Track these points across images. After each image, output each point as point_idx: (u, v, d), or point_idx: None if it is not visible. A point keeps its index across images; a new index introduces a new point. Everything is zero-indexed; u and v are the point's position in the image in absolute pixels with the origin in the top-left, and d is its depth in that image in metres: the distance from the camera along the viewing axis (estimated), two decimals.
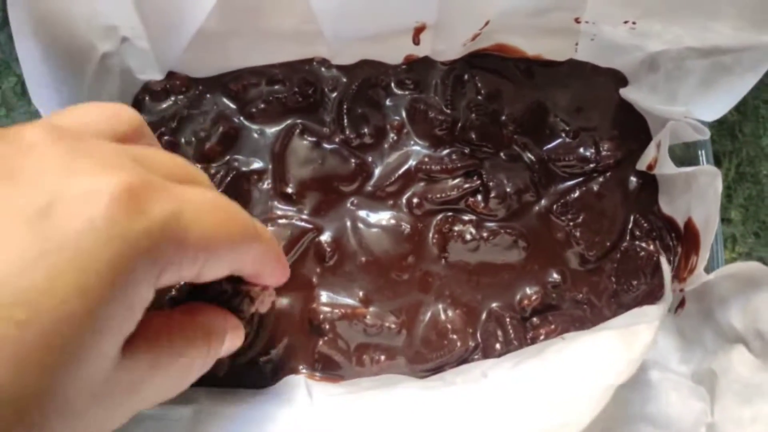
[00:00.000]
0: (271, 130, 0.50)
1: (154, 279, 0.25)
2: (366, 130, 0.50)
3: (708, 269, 0.43)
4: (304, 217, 0.49)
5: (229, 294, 0.36)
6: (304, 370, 0.46)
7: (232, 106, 0.50)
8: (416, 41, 0.49)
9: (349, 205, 0.49)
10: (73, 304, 0.22)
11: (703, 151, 0.46)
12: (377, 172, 0.50)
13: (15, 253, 0.22)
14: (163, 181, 0.26)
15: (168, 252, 0.25)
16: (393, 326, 0.47)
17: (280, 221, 0.48)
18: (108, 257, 0.23)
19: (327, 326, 0.47)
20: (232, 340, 0.35)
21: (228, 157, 0.49)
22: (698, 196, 0.45)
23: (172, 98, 0.50)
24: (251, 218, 0.31)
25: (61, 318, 0.22)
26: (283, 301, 0.47)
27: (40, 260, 0.22)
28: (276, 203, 0.49)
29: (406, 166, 0.49)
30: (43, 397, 0.23)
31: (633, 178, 0.50)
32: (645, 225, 0.49)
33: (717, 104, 0.44)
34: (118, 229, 0.23)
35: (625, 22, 0.46)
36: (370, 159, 0.50)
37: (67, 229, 0.23)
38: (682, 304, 0.45)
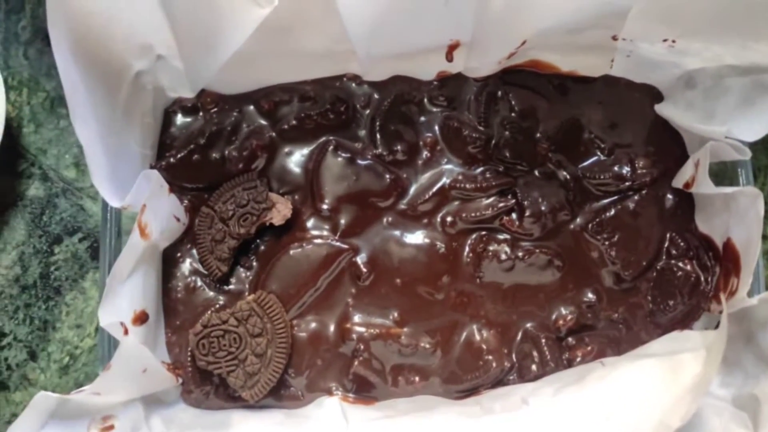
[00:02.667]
0: (304, 147, 0.49)
1: None
2: (399, 146, 0.49)
3: (750, 291, 0.43)
4: (340, 237, 0.48)
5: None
6: (337, 391, 0.46)
7: (264, 122, 0.49)
8: (449, 58, 0.48)
9: (384, 223, 0.49)
10: None
11: (743, 170, 0.45)
12: (411, 189, 0.49)
13: None
14: None
15: None
16: (428, 346, 0.46)
17: (316, 241, 0.48)
18: None
19: (362, 346, 0.46)
20: None
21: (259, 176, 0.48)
22: (738, 217, 0.44)
23: (202, 114, 0.49)
24: None
25: None
26: (318, 321, 0.47)
27: None
28: (312, 222, 0.48)
29: (439, 184, 0.49)
30: None
31: (669, 196, 0.49)
32: (681, 244, 0.48)
33: (757, 124, 0.44)
34: None
35: (664, 41, 0.45)
36: (404, 175, 0.49)
37: None
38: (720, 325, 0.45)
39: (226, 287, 0.48)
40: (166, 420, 0.43)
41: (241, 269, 0.49)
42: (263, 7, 0.40)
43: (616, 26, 0.45)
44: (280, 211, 0.48)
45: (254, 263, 0.49)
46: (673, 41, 0.45)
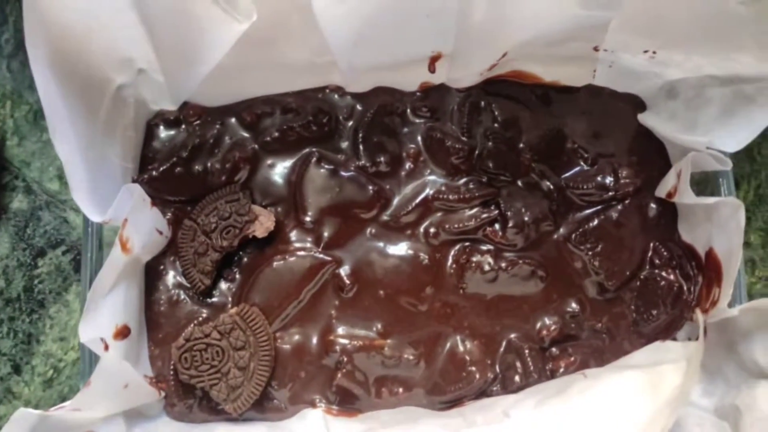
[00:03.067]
0: (287, 159, 0.49)
1: None
2: (382, 158, 0.49)
3: (730, 300, 0.43)
4: (323, 249, 0.48)
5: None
6: (321, 403, 0.46)
7: (246, 135, 0.49)
8: (432, 69, 0.48)
9: (367, 234, 0.49)
10: None
11: (725, 180, 0.45)
12: (394, 200, 0.49)
13: None
14: None
15: None
16: (411, 358, 0.46)
17: (299, 253, 0.48)
18: None
19: (345, 358, 0.46)
20: None
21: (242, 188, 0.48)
22: (720, 227, 0.44)
23: (185, 127, 0.49)
24: None
25: None
26: (301, 333, 0.47)
27: None
28: (295, 234, 0.48)
29: (422, 196, 0.49)
30: None
31: (653, 206, 0.49)
32: (665, 253, 0.48)
33: (738, 135, 0.44)
34: None
35: (645, 51, 0.45)
36: (387, 186, 0.49)
37: None
38: (703, 334, 0.45)
39: (209, 300, 0.48)
40: None
41: (224, 282, 0.49)
42: (242, 23, 0.40)
43: (597, 38, 0.45)
44: (263, 223, 0.47)
45: (237, 276, 0.49)
46: (654, 52, 0.45)
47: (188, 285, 0.47)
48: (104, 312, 0.41)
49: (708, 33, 0.42)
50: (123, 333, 0.43)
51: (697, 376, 0.34)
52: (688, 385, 0.35)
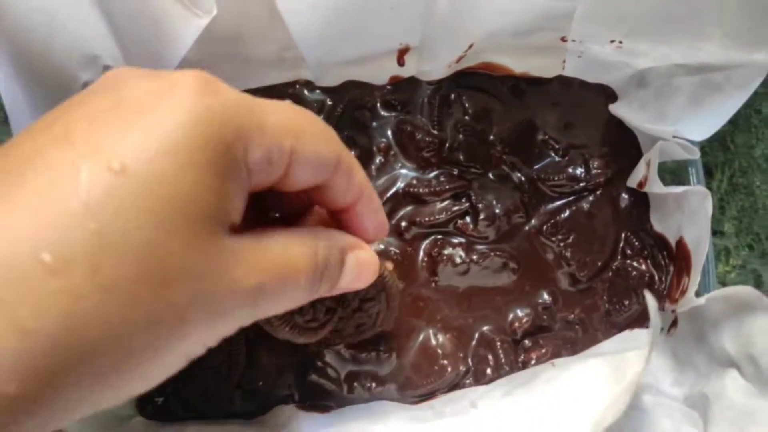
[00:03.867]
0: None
1: (245, 156, 0.25)
2: (353, 152, 0.49)
3: (700, 288, 0.43)
4: None
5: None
6: (293, 400, 0.46)
7: None
8: (401, 62, 0.48)
9: None
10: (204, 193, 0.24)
11: (694, 169, 0.46)
12: None
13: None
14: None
15: (250, 126, 0.25)
16: (383, 352, 0.46)
17: None
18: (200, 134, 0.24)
19: (316, 354, 0.46)
20: (360, 260, 0.32)
21: None
22: (689, 216, 0.44)
23: None
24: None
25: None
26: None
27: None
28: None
29: (393, 189, 0.49)
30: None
31: (624, 196, 0.49)
32: (636, 243, 0.48)
33: (706, 123, 0.44)
34: (211, 99, 0.24)
35: (611, 42, 0.45)
36: None
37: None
38: (674, 324, 0.45)
39: None
40: None
41: None
42: (201, 18, 0.40)
43: (564, 28, 0.45)
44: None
45: None
46: (620, 42, 0.45)
47: None
48: None
49: (671, 21, 0.41)
50: None
51: (649, 360, 0.34)
52: (644, 368, 0.35)
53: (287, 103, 0.29)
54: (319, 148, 0.29)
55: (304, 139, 0.28)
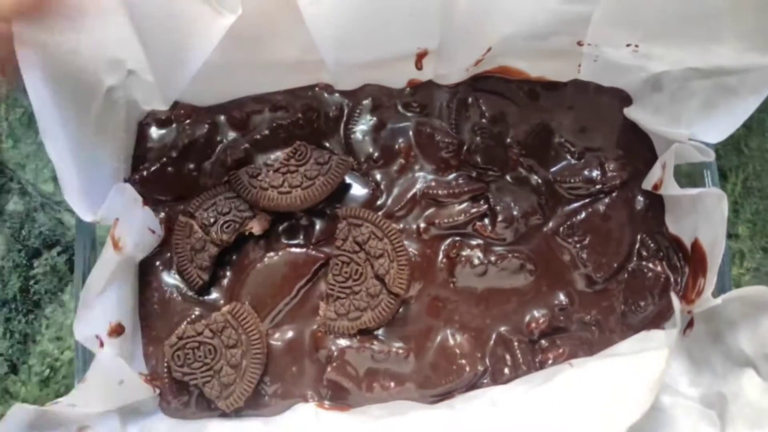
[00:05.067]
0: (276, 155, 0.50)
1: None
2: (373, 154, 0.50)
3: (716, 289, 0.43)
4: (315, 245, 0.49)
5: None
6: (312, 399, 0.47)
7: (237, 134, 0.50)
8: (419, 66, 0.49)
9: None
10: None
11: (709, 172, 0.46)
12: (387, 196, 0.50)
13: None
14: None
15: None
16: (401, 351, 0.47)
17: (292, 250, 0.48)
18: None
19: (335, 353, 0.47)
20: None
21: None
22: (705, 218, 0.44)
23: (175, 127, 0.50)
24: None
25: None
26: (293, 330, 0.48)
27: None
28: (287, 231, 0.49)
29: (413, 191, 0.50)
30: None
31: (640, 198, 0.50)
32: (652, 245, 0.49)
33: (721, 126, 0.44)
34: None
35: (627, 45, 0.45)
36: (382, 183, 0.50)
37: None
38: (690, 325, 0.45)
39: (202, 298, 0.48)
40: (144, 430, 0.44)
41: (218, 279, 0.49)
42: (226, 17, 0.40)
43: (580, 32, 0.46)
44: (260, 220, 0.48)
45: (228, 273, 0.49)
46: (636, 46, 0.45)
47: (183, 282, 0.48)
48: (98, 310, 0.42)
49: (687, 25, 0.42)
50: (117, 331, 0.44)
51: (671, 358, 0.35)
52: (663, 371, 0.35)
53: None
54: None
55: None
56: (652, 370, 0.37)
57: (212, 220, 0.48)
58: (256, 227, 0.48)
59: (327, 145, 0.50)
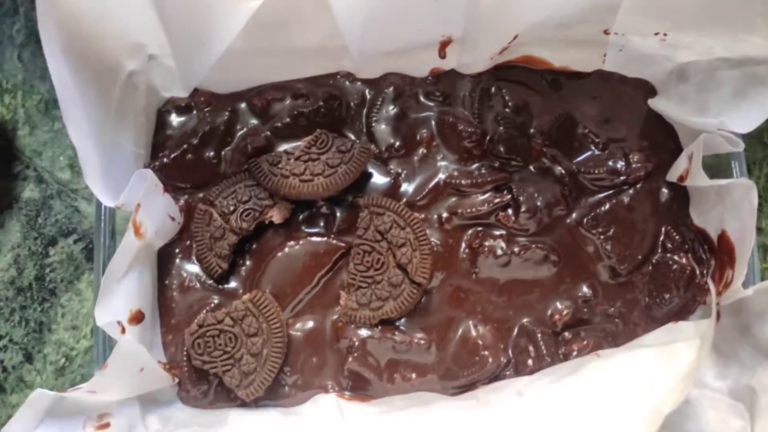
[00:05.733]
0: (297, 144, 0.49)
1: None
2: (395, 143, 0.49)
3: (744, 282, 0.43)
4: (336, 234, 0.48)
5: None
6: (333, 389, 0.46)
7: (257, 121, 0.49)
8: (442, 55, 0.48)
9: None
10: None
11: (737, 163, 0.45)
12: (408, 186, 0.49)
13: None
14: None
15: None
16: (423, 342, 0.46)
17: (313, 239, 0.48)
18: None
19: (356, 343, 0.46)
20: None
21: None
22: (732, 209, 0.44)
23: (196, 114, 0.49)
24: None
25: None
26: (314, 319, 0.47)
27: None
28: (308, 220, 0.49)
29: (435, 180, 0.49)
30: None
31: (664, 190, 0.49)
32: (677, 237, 0.48)
33: (750, 116, 0.44)
34: None
35: (656, 34, 0.45)
36: (403, 172, 0.49)
37: None
38: (717, 317, 0.44)
39: (221, 286, 0.48)
40: (163, 418, 0.43)
41: (237, 268, 0.49)
42: (250, 1, 0.40)
43: (608, 20, 0.45)
44: (281, 209, 0.48)
45: (248, 262, 0.48)
46: (665, 34, 0.45)
47: (202, 271, 0.47)
48: (119, 296, 0.41)
49: (718, 13, 0.42)
50: (137, 318, 0.43)
51: (708, 350, 0.35)
52: (700, 360, 0.35)
53: None
54: None
55: None
56: (682, 361, 0.37)
57: (232, 208, 0.47)
58: (276, 216, 0.47)
59: (348, 133, 0.50)
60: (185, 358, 0.46)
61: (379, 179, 0.49)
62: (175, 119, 0.49)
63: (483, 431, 0.40)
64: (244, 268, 0.48)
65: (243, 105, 0.50)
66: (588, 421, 0.37)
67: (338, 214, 0.49)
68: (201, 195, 0.48)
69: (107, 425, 0.39)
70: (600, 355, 0.43)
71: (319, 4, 0.42)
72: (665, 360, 0.38)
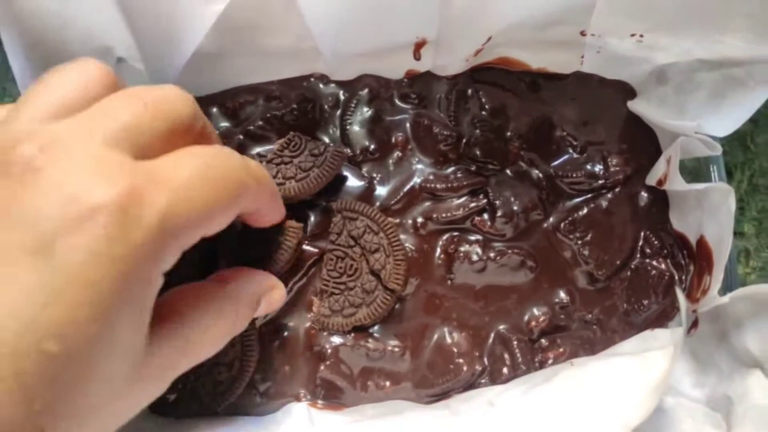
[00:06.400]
0: (270, 147, 0.48)
1: (160, 270, 0.27)
2: (370, 146, 0.48)
3: (722, 288, 0.42)
4: (310, 240, 0.47)
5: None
6: (305, 397, 0.45)
7: (228, 124, 0.49)
8: (417, 56, 0.48)
9: None
10: (92, 327, 0.24)
11: (715, 167, 0.45)
12: (382, 190, 0.48)
13: (27, 291, 0.24)
14: (148, 175, 0.27)
15: (169, 245, 0.27)
16: (396, 350, 0.46)
17: None
18: (115, 275, 0.25)
19: (329, 350, 0.45)
20: (270, 300, 0.38)
21: None
22: (710, 214, 0.43)
23: None
24: (242, 164, 0.32)
25: (86, 341, 0.24)
26: (287, 326, 0.46)
27: (55, 296, 0.24)
28: None
29: (410, 185, 0.48)
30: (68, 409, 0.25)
31: (643, 194, 0.48)
32: (656, 242, 0.47)
33: (728, 119, 0.43)
34: (119, 247, 0.25)
35: (632, 35, 0.44)
36: (378, 175, 0.48)
37: (71, 263, 0.24)
38: (695, 325, 0.44)
39: None
40: (132, 429, 0.42)
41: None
42: (216, 3, 0.39)
43: (583, 21, 0.44)
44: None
45: (223, 264, 0.48)
46: (641, 36, 0.44)
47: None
48: None
49: (696, 14, 0.41)
50: None
51: (676, 361, 0.34)
52: (670, 369, 0.34)
53: (197, 168, 0.29)
54: (231, 211, 0.31)
55: (215, 216, 0.29)
56: (656, 370, 0.36)
57: None
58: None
59: (322, 136, 0.49)
60: None
61: (353, 183, 0.48)
62: None
63: None
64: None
65: (215, 108, 0.49)
66: (556, 430, 0.36)
67: (311, 219, 0.48)
68: None
69: None
70: (574, 364, 0.43)
71: (287, 5, 0.41)
72: (638, 369, 0.37)
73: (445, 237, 0.48)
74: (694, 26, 0.42)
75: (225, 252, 0.43)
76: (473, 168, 0.48)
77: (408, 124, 0.49)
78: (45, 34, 0.40)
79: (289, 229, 0.44)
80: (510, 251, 0.47)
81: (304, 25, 0.43)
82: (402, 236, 0.47)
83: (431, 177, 0.48)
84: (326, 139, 0.49)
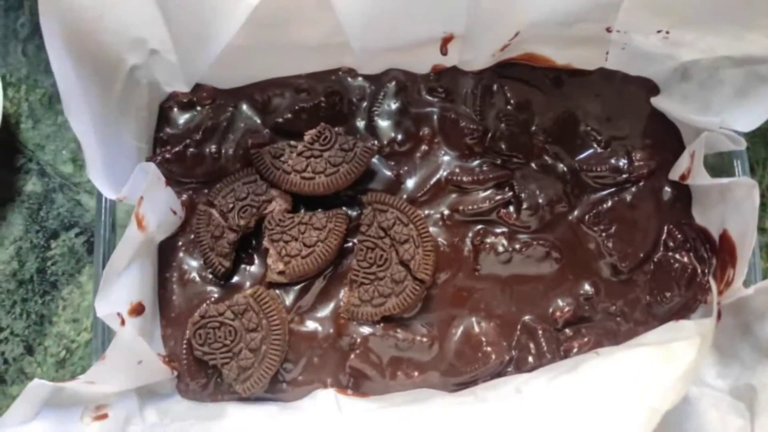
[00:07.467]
0: (300, 140, 0.49)
1: None
2: (397, 139, 0.49)
3: (745, 281, 0.43)
4: None
5: None
6: (333, 385, 0.46)
7: (258, 117, 0.49)
8: (444, 51, 0.48)
9: None
10: None
11: (739, 162, 0.45)
12: (409, 182, 0.49)
13: None
14: None
15: None
16: (425, 340, 0.46)
17: None
18: None
19: (358, 340, 0.46)
20: None
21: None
22: (734, 208, 0.44)
23: (198, 109, 0.49)
24: None
25: None
26: (315, 316, 0.47)
27: None
28: None
29: (436, 177, 0.49)
30: None
31: (666, 188, 0.49)
32: (679, 236, 0.48)
33: (752, 114, 0.44)
34: None
35: (658, 32, 0.45)
36: (404, 168, 0.49)
37: None
38: (718, 316, 0.44)
39: (229, 282, 0.48)
40: (161, 411, 0.43)
41: (243, 265, 0.49)
42: None
43: (610, 18, 0.45)
44: (280, 203, 0.48)
45: (256, 259, 0.49)
46: (667, 32, 0.45)
47: (208, 269, 0.47)
48: (120, 288, 0.42)
49: (720, 11, 0.41)
50: (137, 310, 0.43)
51: (708, 348, 0.34)
52: (700, 359, 0.35)
53: None
54: None
55: None
56: (682, 360, 0.37)
57: (230, 206, 0.47)
58: (276, 207, 0.47)
59: (350, 128, 0.50)
60: (185, 351, 0.46)
61: (380, 175, 0.49)
62: (177, 115, 0.49)
63: (480, 427, 0.39)
64: (251, 266, 0.48)
65: (244, 101, 0.50)
66: (585, 418, 0.37)
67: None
68: (206, 190, 0.48)
69: (105, 416, 0.39)
70: (599, 353, 0.43)
71: (320, 2, 0.42)
72: (664, 359, 0.37)
73: (471, 229, 0.49)
74: (719, 23, 0.42)
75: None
76: (498, 161, 0.49)
77: (435, 118, 0.50)
78: (82, 25, 0.40)
79: (338, 216, 0.46)
80: (535, 243, 0.48)
81: (335, 20, 0.44)
82: (429, 227, 0.48)
83: (457, 170, 0.49)
84: (354, 132, 0.49)
